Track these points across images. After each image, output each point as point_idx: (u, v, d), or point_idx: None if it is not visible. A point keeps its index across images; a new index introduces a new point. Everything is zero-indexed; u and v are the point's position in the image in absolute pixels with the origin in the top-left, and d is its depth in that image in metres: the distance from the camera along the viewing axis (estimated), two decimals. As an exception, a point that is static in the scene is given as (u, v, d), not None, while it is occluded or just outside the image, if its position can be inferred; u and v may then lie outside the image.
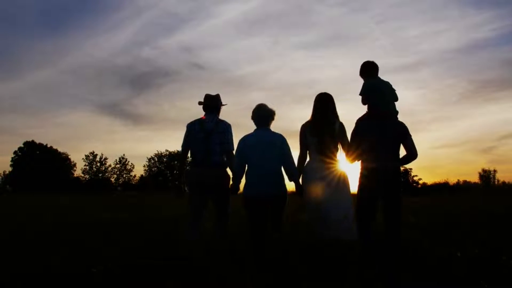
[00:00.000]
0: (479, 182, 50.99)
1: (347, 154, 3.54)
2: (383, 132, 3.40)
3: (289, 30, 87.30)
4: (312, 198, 3.57)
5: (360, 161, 3.49)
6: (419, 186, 45.12)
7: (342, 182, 3.60)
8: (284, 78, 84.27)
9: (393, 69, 67.92)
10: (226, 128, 3.85)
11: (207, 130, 3.80)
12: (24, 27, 78.59)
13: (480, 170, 51.06)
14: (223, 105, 4.04)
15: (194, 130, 3.87)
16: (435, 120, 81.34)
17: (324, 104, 3.66)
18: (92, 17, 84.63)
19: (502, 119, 74.81)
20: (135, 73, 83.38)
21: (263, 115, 3.71)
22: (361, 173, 3.47)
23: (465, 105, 79.70)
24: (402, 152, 3.48)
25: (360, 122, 3.60)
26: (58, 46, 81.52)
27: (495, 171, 49.80)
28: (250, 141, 3.65)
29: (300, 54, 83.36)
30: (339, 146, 3.67)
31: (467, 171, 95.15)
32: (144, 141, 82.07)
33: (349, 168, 3.61)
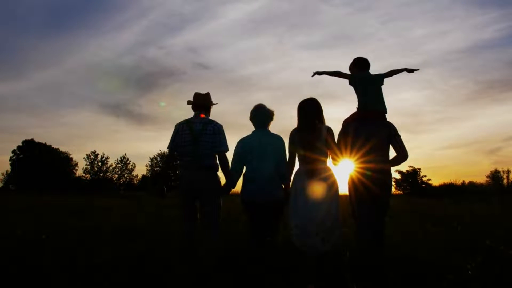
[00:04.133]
0: (485, 183, 50.18)
1: (335, 157, 3.43)
2: (374, 133, 3.35)
3: (293, 30, 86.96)
4: (298, 206, 3.35)
5: (351, 164, 3.43)
6: (428, 187, 44.25)
7: (331, 190, 3.34)
8: (289, 78, 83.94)
9: (398, 69, 66.96)
10: (216, 129, 3.60)
11: (195, 131, 3.57)
12: (29, 26, 78.39)
13: (492, 170, 50.38)
14: (214, 104, 3.85)
15: (181, 131, 3.64)
16: (440, 121, 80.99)
17: (307, 111, 3.49)
18: (97, 17, 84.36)
19: (508, 120, 74.32)
20: (140, 73, 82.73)
21: (263, 116, 3.64)
22: (352, 176, 3.42)
23: (471, 106, 79.22)
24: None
25: (349, 123, 3.56)
26: (62, 46, 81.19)
27: (508, 171, 49.02)
28: (250, 143, 3.57)
29: (304, 54, 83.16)
30: (328, 151, 3.47)
31: (472, 172, 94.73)
32: (149, 141, 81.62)
33: (338, 173, 3.50)
